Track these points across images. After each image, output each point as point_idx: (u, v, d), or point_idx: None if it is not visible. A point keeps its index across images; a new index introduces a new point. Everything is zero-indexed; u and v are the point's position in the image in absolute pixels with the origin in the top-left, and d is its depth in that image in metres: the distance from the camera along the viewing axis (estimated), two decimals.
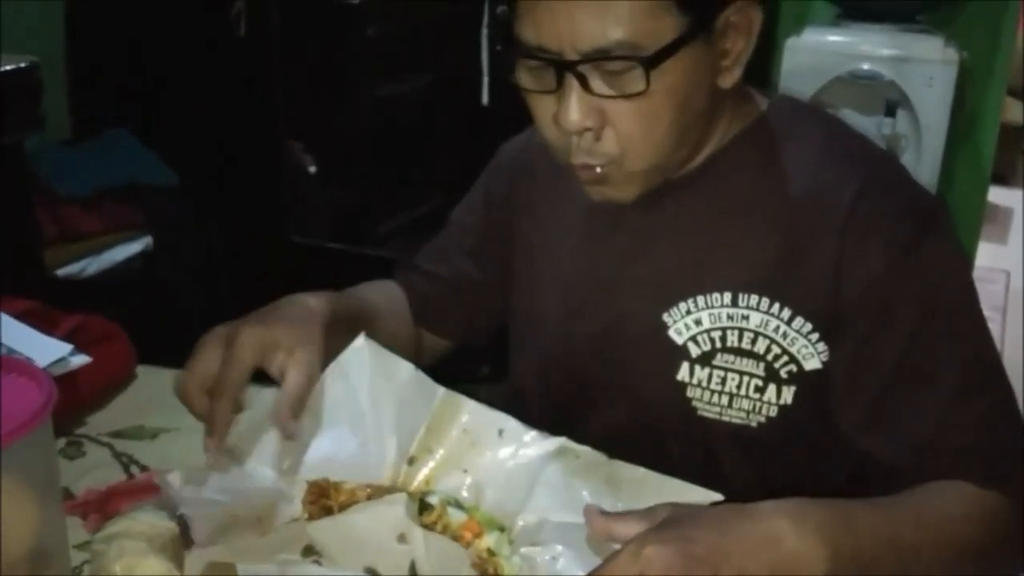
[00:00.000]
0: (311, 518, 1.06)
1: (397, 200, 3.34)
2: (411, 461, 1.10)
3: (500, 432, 1.08)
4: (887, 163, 1.14)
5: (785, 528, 0.88)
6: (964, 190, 2.94)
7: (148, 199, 3.06)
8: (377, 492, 1.07)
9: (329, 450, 1.09)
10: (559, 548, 0.97)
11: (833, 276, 1.07)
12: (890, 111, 2.70)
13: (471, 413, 1.10)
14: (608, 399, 1.20)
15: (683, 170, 1.13)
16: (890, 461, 1.06)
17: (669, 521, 0.88)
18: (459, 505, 1.06)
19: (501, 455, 1.08)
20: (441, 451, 1.10)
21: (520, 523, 1.03)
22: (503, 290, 1.33)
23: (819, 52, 2.71)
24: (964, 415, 1.04)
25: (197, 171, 3.12)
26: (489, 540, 1.02)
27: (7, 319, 1.28)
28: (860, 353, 1.07)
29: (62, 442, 1.24)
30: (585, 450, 1.05)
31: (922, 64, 2.62)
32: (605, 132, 1.03)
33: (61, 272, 2.84)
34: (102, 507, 1.11)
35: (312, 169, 3.36)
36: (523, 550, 0.99)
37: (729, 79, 1.07)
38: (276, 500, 1.07)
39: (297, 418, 1.06)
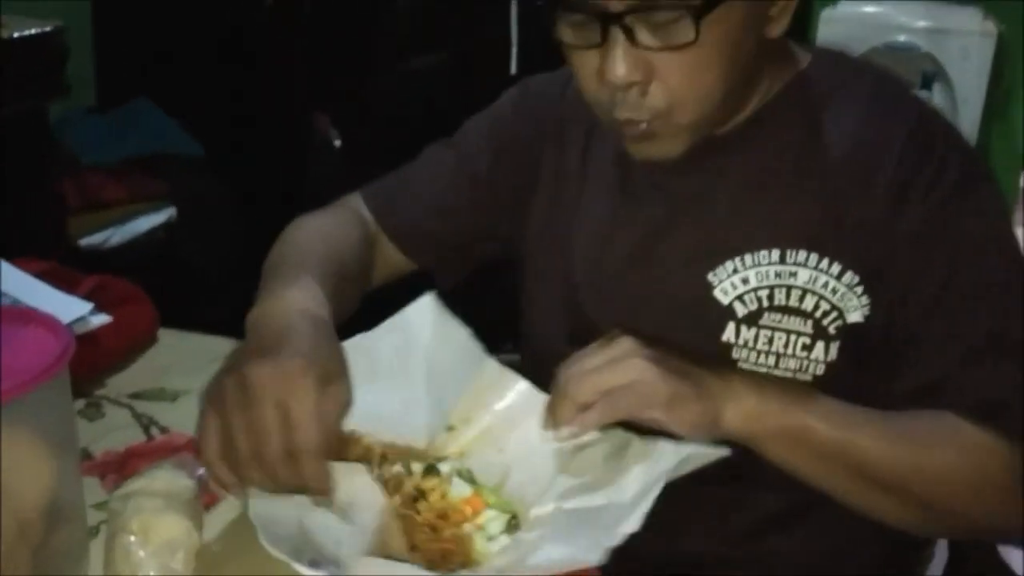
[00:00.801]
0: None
1: None
2: (449, 428, 1.08)
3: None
4: (931, 116, 1.11)
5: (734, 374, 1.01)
6: (998, 167, 2.87)
7: (172, 169, 3.05)
8: (394, 453, 1.04)
9: (373, 402, 1.04)
10: (548, 532, 0.94)
11: (879, 227, 1.04)
12: (926, 83, 2.65)
13: (520, 393, 1.07)
14: None
15: (728, 128, 1.10)
16: (916, 404, 1.04)
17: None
18: (472, 480, 1.02)
19: (538, 440, 1.03)
20: (480, 424, 1.07)
21: (534, 513, 0.99)
22: (487, 232, 1.29)
23: (855, 23, 2.66)
24: (991, 363, 1.03)
25: (222, 142, 3.11)
26: (485, 517, 0.98)
27: (25, 276, 1.26)
28: (899, 300, 1.05)
29: (81, 403, 1.22)
30: (617, 432, 1.00)
31: (959, 36, 2.58)
32: (652, 86, 0.99)
33: (84, 242, 2.83)
34: (121, 468, 1.10)
35: (337, 143, 3.34)
36: (518, 534, 0.96)
37: (777, 28, 1.03)
38: None
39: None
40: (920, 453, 1.00)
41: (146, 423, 1.20)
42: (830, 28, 2.67)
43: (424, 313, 1.10)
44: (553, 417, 0.96)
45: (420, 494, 0.98)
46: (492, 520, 0.97)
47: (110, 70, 3.18)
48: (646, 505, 0.89)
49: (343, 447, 1.03)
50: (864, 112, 1.09)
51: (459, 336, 1.09)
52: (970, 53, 2.59)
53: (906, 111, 1.09)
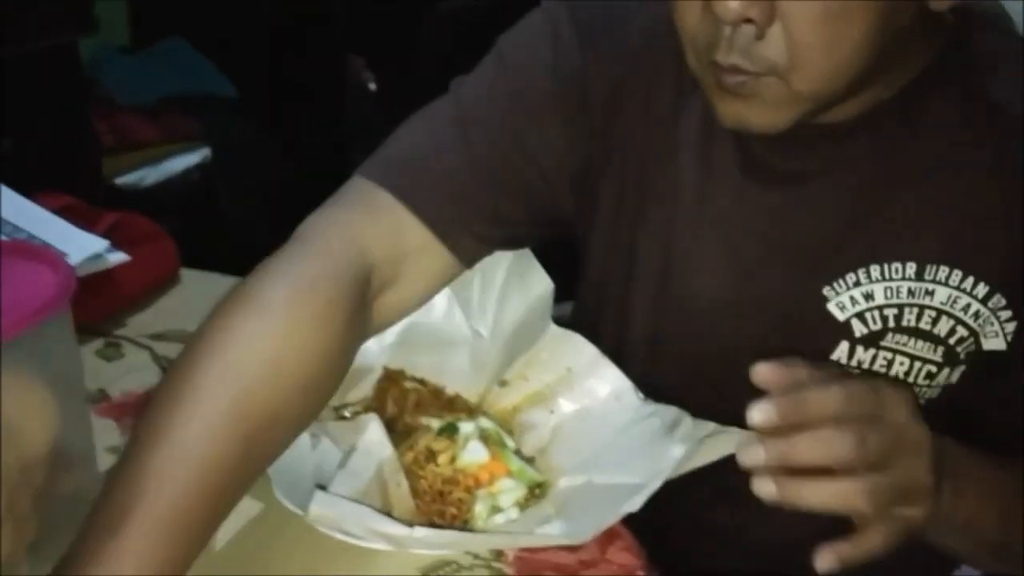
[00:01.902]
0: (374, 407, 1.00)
1: None
2: (502, 383, 1.04)
3: (610, 393, 1.00)
4: None
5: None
6: None
7: (207, 110, 3.04)
8: (433, 400, 1.01)
9: (437, 341, 1.04)
10: (562, 510, 0.90)
11: None
12: None
13: (583, 355, 1.02)
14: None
15: (861, 108, 0.90)
16: None
17: None
18: (501, 443, 0.96)
19: (592, 408, 1.00)
20: (536, 383, 1.03)
21: (564, 483, 0.94)
22: (541, 217, 1.03)
23: None
24: None
25: (256, 84, 3.08)
26: (499, 487, 0.92)
27: (42, 211, 1.22)
28: None
29: (100, 343, 1.19)
30: (671, 410, 0.95)
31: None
32: (771, 30, 0.79)
33: (120, 181, 2.82)
34: (139, 410, 1.06)
35: (372, 86, 3.29)
36: (531, 509, 0.92)
37: None
38: (353, 375, 0.98)
39: None
40: None
41: (166, 366, 1.15)
42: None
43: (500, 260, 1.04)
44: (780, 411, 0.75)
45: (431, 454, 0.93)
46: (505, 491, 0.91)
47: (143, 9, 3.15)
48: (651, 489, 0.84)
49: (384, 385, 1.01)
50: None
51: (535, 285, 1.03)
52: None
53: None
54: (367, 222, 0.94)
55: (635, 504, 0.84)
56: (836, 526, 0.82)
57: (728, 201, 0.97)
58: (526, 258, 1.05)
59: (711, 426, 0.90)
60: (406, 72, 3.16)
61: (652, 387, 0.99)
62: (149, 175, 2.91)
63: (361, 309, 0.90)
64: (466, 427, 0.96)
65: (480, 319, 1.05)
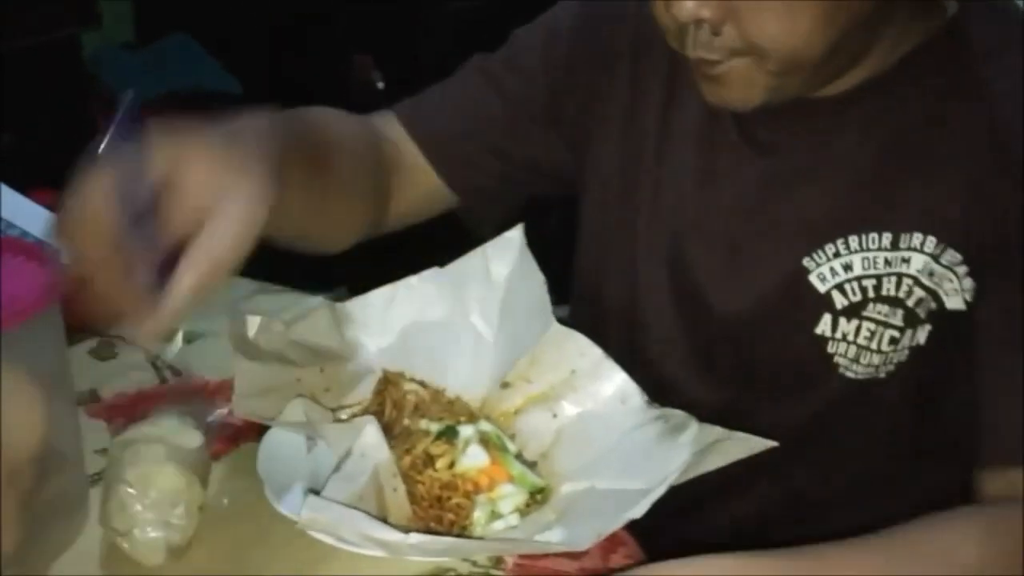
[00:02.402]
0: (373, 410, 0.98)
1: None
2: (504, 385, 1.01)
3: (615, 395, 0.97)
4: None
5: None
6: None
7: (209, 107, 3.00)
8: (432, 404, 0.99)
9: (441, 340, 1.02)
10: (563, 517, 0.88)
11: (1006, 209, 0.89)
12: None
13: (586, 357, 0.99)
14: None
15: (843, 87, 0.94)
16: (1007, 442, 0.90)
17: None
18: (503, 447, 0.94)
19: (596, 411, 0.97)
20: (539, 385, 1.00)
21: (566, 489, 0.92)
22: (532, 162, 1.13)
23: None
24: None
25: (261, 80, 3.06)
26: (500, 492, 0.90)
27: (36, 208, 1.21)
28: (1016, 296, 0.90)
29: (93, 342, 1.17)
30: (677, 414, 0.93)
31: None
32: (726, 27, 0.85)
33: None
34: (129, 411, 1.04)
35: (380, 84, 3.27)
36: (532, 515, 0.90)
37: None
38: (350, 378, 1.00)
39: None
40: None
41: (160, 366, 1.14)
42: None
43: (509, 247, 1.02)
44: None
45: (428, 459, 0.90)
46: (506, 497, 0.89)
47: (148, 5, 3.14)
48: (655, 496, 0.82)
49: (383, 388, 0.99)
50: (1017, 82, 0.91)
51: (536, 283, 1.01)
52: None
53: None
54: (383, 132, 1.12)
55: (638, 511, 0.81)
56: None
57: (723, 175, 1.01)
58: (527, 258, 1.02)
59: (718, 431, 0.88)
60: (414, 70, 3.14)
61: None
62: None
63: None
64: (465, 431, 0.93)
65: (481, 318, 1.03)
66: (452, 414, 0.97)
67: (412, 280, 1.03)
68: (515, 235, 1.03)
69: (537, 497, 0.91)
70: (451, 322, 1.03)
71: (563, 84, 1.10)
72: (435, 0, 3.10)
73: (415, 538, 0.80)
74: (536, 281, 1.01)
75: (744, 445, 0.86)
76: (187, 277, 0.72)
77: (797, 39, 0.84)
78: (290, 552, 0.85)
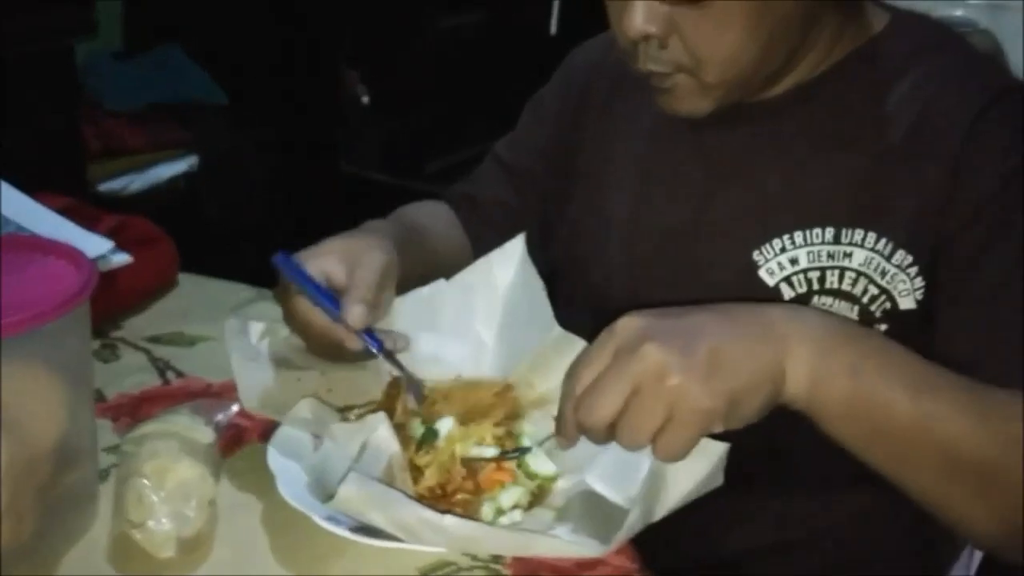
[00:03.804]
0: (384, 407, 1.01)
1: (451, 137, 3.26)
2: (507, 388, 1.04)
3: None
4: (1014, 86, 1.02)
5: (776, 313, 0.84)
6: None
7: (196, 118, 3.03)
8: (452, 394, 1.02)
9: (436, 345, 1.05)
10: (563, 516, 0.90)
11: (944, 200, 0.97)
12: None
13: None
14: None
15: (777, 91, 1.04)
16: None
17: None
18: (518, 451, 0.96)
19: None
20: (541, 388, 1.03)
21: (560, 484, 0.95)
22: (546, 225, 1.23)
23: None
24: None
25: (248, 93, 3.07)
26: (505, 497, 0.92)
27: (46, 211, 1.22)
28: (963, 277, 0.96)
29: (96, 344, 1.19)
30: None
31: (1018, 12, 2.50)
32: (672, 40, 0.95)
33: (103, 187, 2.81)
34: (134, 411, 1.06)
35: (365, 99, 3.30)
36: (535, 510, 0.92)
37: None
38: (352, 381, 1.04)
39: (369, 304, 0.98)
40: (1011, 429, 0.83)
41: (162, 367, 1.16)
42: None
43: (511, 256, 1.07)
44: (566, 439, 0.86)
45: (418, 470, 0.93)
46: (506, 492, 0.92)
47: (138, 15, 3.14)
48: (660, 513, 0.84)
49: (393, 392, 1.02)
50: (938, 85, 1.00)
51: (537, 290, 1.05)
52: None
53: (985, 85, 1.00)
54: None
55: (645, 520, 0.83)
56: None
57: (674, 176, 1.10)
58: (528, 266, 1.06)
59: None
60: (400, 86, 3.17)
61: None
62: (134, 182, 2.90)
63: None
64: (444, 424, 0.95)
65: (484, 325, 1.06)
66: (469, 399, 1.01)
67: (423, 291, 1.07)
68: (517, 244, 1.07)
69: (536, 492, 0.93)
70: (456, 330, 1.06)
71: (553, 151, 1.23)
72: (423, 18, 3.13)
73: (450, 520, 0.81)
74: (537, 287, 1.05)
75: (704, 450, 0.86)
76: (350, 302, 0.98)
77: (731, 46, 0.94)
78: (295, 549, 0.87)
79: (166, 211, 2.77)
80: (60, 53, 2.38)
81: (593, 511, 0.90)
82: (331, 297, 0.99)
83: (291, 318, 1.03)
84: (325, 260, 1.01)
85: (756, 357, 0.81)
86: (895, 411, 0.82)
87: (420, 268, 1.10)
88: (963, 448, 0.82)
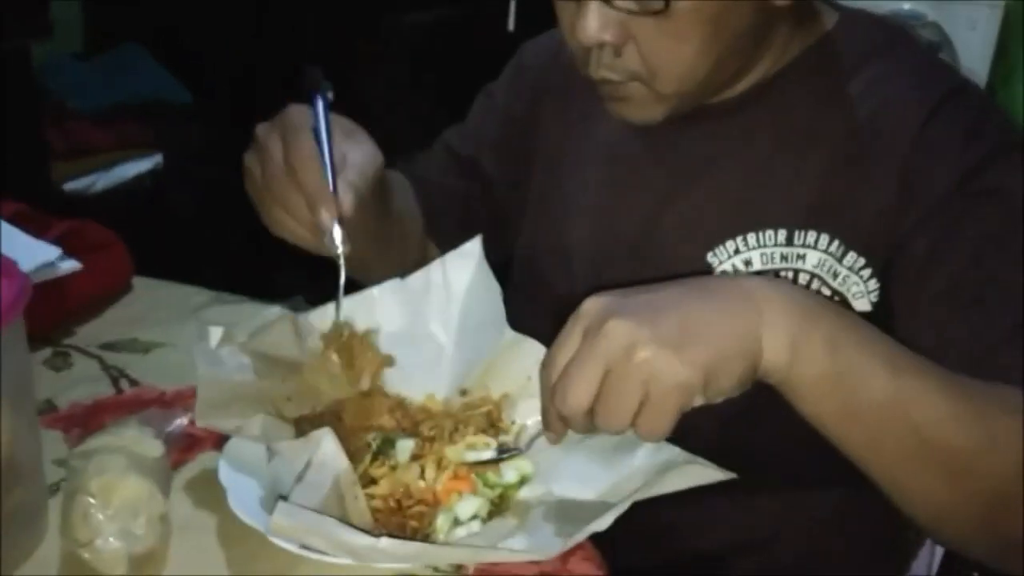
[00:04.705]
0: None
1: (414, 132, 3.24)
2: (463, 392, 1.03)
3: None
4: (964, 86, 1.02)
5: (752, 283, 0.80)
6: None
7: (160, 117, 3.01)
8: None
9: (390, 348, 1.02)
10: (524, 523, 0.88)
11: (896, 201, 0.95)
12: None
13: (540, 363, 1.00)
14: None
15: (733, 93, 1.03)
16: None
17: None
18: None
19: None
20: (498, 392, 1.01)
21: (523, 493, 0.93)
22: (499, 213, 1.23)
23: None
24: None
25: (211, 91, 3.05)
26: (462, 508, 0.90)
27: None
28: (919, 277, 0.94)
29: (48, 352, 1.17)
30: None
31: (966, 6, 2.50)
32: (627, 48, 0.94)
33: (68, 186, 2.79)
34: (86, 422, 1.04)
35: (330, 95, 3.27)
36: (492, 521, 0.90)
37: None
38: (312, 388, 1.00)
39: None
40: (987, 421, 0.80)
41: (116, 375, 1.13)
42: None
43: (467, 258, 1.04)
44: (553, 432, 0.84)
45: (372, 480, 0.91)
46: (464, 503, 0.90)
47: (97, 15, 3.11)
48: (620, 509, 0.83)
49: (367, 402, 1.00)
50: (890, 78, 1.00)
51: (493, 293, 1.03)
52: (977, 24, 2.51)
53: (935, 84, 1.00)
54: None
55: (604, 523, 0.82)
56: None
57: (629, 178, 1.10)
58: (484, 269, 1.04)
59: (679, 452, 0.88)
60: (364, 82, 3.14)
61: None
62: (99, 181, 2.89)
63: None
64: (404, 443, 0.94)
65: (440, 327, 1.04)
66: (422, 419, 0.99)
67: (374, 291, 1.04)
68: (474, 247, 1.05)
69: (496, 503, 0.91)
70: (411, 332, 1.04)
71: (506, 149, 1.23)
72: (390, 13, 3.10)
73: (385, 542, 0.80)
74: (493, 291, 1.03)
75: (704, 473, 0.85)
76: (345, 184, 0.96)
77: (686, 59, 0.93)
78: (252, 562, 0.86)
79: (132, 209, 2.76)
80: (16, 54, 2.34)
81: (559, 515, 0.88)
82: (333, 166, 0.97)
83: (286, 152, 0.99)
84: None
85: (731, 325, 0.77)
86: (872, 386, 0.79)
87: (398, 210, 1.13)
88: (938, 433, 0.79)
